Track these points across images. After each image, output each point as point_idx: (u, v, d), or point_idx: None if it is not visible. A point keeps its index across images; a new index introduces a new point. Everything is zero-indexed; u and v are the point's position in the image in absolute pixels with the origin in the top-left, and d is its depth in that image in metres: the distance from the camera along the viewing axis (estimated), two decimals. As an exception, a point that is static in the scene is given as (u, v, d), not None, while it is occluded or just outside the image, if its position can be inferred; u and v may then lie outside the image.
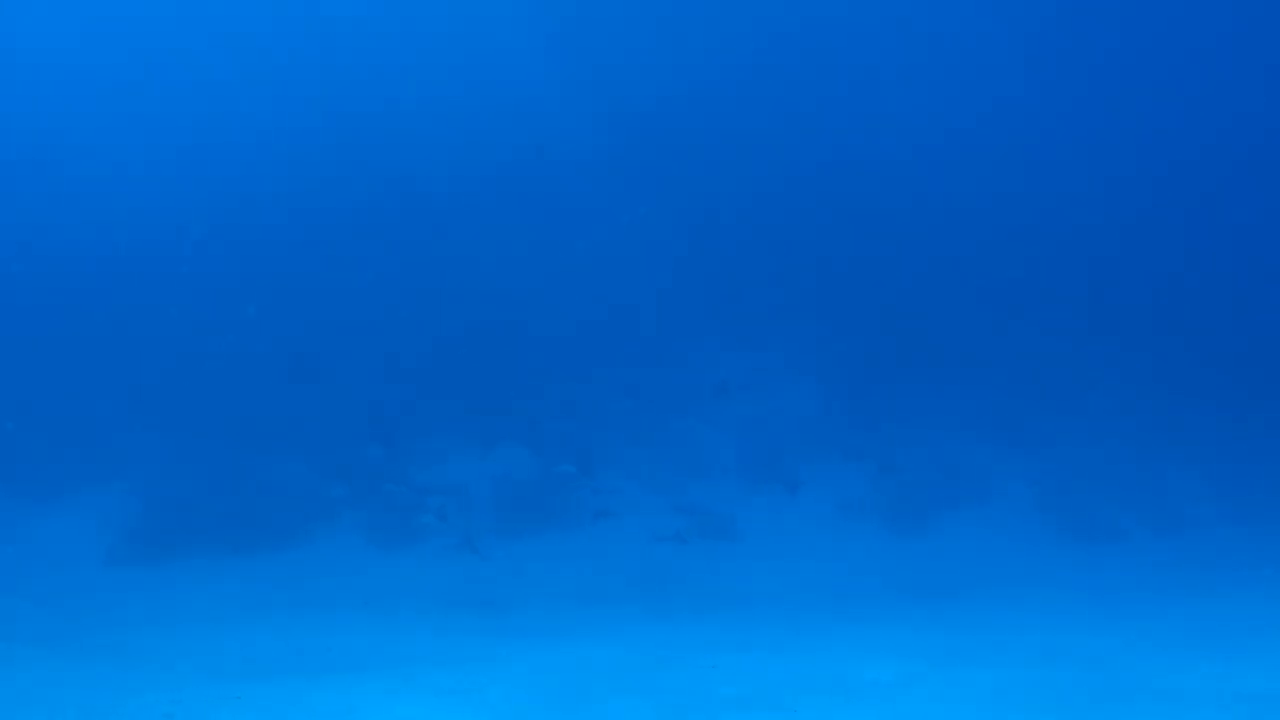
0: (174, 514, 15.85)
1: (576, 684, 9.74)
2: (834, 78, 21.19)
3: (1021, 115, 21.11)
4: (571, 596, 14.46)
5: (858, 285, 20.46)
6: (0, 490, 16.65)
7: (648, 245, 20.48)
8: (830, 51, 21.28)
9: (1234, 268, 20.68)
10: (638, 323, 20.49)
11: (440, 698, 9.33)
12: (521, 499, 17.38)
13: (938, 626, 12.23)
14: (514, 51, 20.87)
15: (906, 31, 21.35)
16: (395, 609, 13.34)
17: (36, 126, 19.92)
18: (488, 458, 18.09)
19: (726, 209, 21.11)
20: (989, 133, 21.02)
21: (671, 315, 20.56)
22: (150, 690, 9.68)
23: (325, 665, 10.61)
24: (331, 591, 13.95)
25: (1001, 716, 8.73)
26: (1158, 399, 19.14)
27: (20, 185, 19.60)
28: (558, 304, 19.81)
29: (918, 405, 19.44)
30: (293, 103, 20.94)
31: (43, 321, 18.30)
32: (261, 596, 13.75)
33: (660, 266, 20.73)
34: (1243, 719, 8.49)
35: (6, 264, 18.62)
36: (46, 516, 16.19)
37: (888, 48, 21.31)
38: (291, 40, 20.64)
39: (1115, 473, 18.34)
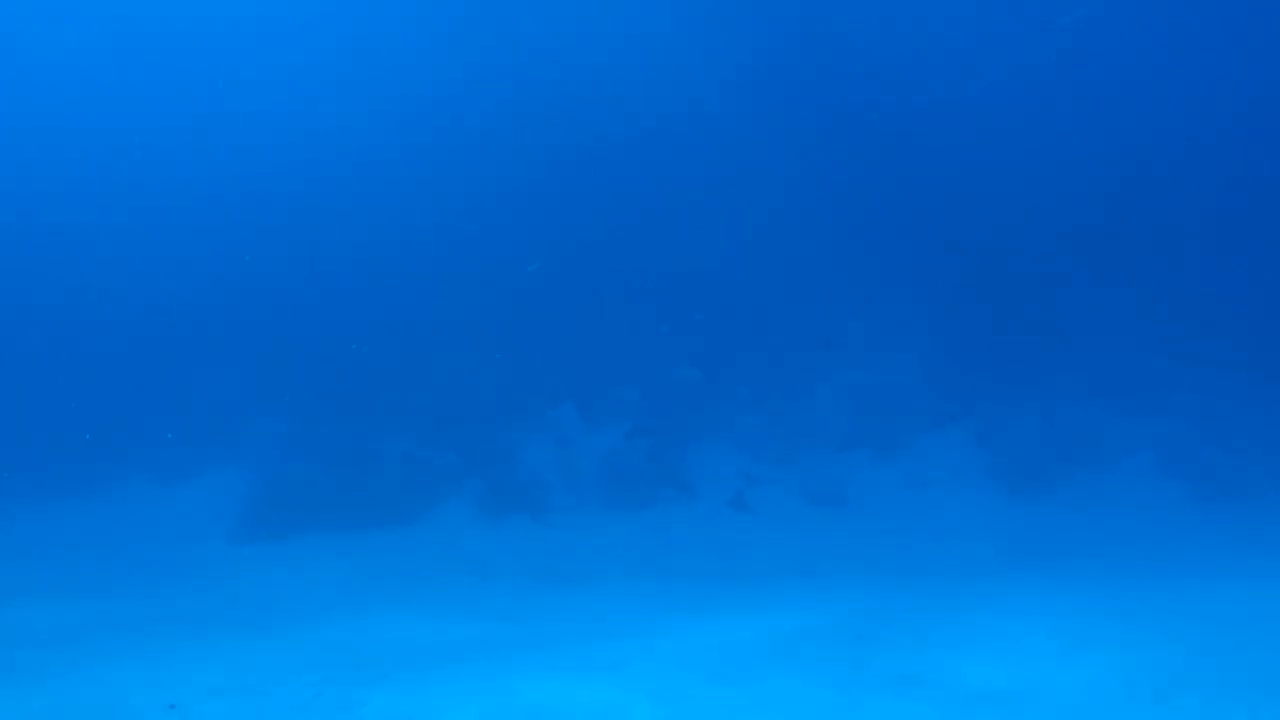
0: (292, 492, 15.95)
1: (727, 657, 9.52)
2: (936, 42, 20.48)
3: (1124, 65, 20.18)
4: (689, 569, 14.22)
5: (964, 243, 19.81)
6: (127, 473, 16.96)
7: (753, 210, 20.07)
8: (934, 17, 20.59)
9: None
10: (736, 290, 20.11)
11: (592, 673, 9.17)
12: (632, 470, 17.21)
13: (1084, 591, 11.81)
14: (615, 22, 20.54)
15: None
16: (523, 584, 13.25)
17: (161, 123, 20.23)
18: (594, 429, 17.95)
19: (826, 173, 20.58)
20: (1096, 86, 20.16)
21: (771, 281, 20.15)
22: (297, 668, 9.67)
23: (468, 641, 10.53)
24: (458, 566, 13.93)
25: (1182, 680, 8.38)
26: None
27: (134, 187, 19.96)
28: (660, 270, 19.53)
29: (1029, 366, 18.81)
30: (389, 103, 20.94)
31: (164, 314, 18.61)
32: (386, 573, 13.78)
33: (761, 233, 20.33)
34: None
35: (133, 264, 19.04)
36: (172, 497, 16.45)
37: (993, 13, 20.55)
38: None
39: (1241, 430, 17.54)
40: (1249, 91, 19.70)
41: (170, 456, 17.05)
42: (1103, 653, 9.31)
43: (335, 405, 17.53)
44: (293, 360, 18.15)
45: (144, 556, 14.37)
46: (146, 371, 18.05)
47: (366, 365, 17.92)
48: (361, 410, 17.61)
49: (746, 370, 19.32)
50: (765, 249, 20.21)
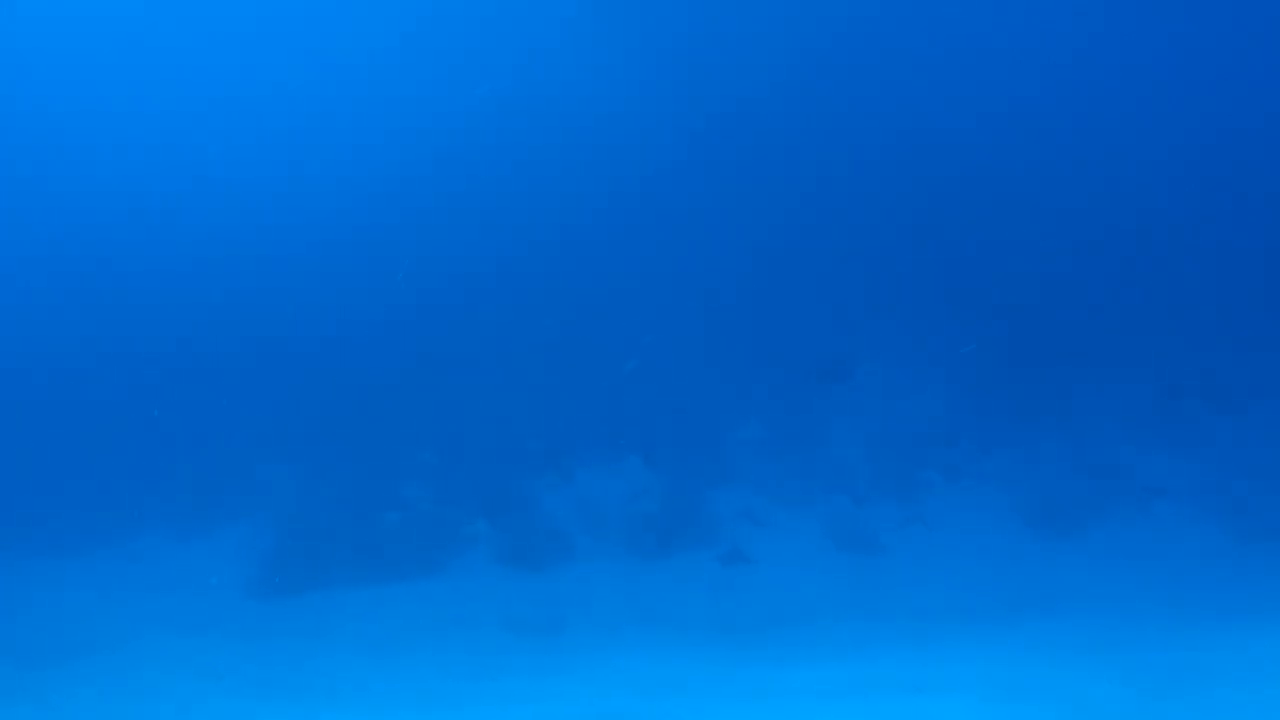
0: (311, 543, 15.67)
1: (783, 708, 9.26)
2: (967, 65, 20.36)
3: (1168, 91, 20.01)
4: (718, 619, 13.92)
5: (987, 276, 19.59)
6: (142, 526, 16.67)
7: (771, 242, 19.88)
8: (969, 40, 20.48)
9: None
10: (745, 325, 19.88)
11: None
12: (651, 517, 16.90)
13: (1127, 635, 11.57)
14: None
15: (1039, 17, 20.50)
16: (553, 633, 12.97)
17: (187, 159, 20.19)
18: (613, 473, 17.69)
19: (840, 202, 20.39)
20: (1138, 112, 19.97)
21: (782, 315, 19.92)
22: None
23: (506, 697, 10.28)
24: (484, 619, 13.65)
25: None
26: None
27: (148, 232, 19.88)
28: (679, 302, 19.34)
29: (1053, 402, 18.56)
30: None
31: (180, 357, 18.41)
32: (413, 628, 13.48)
33: (780, 266, 20.14)
34: None
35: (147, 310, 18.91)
36: (188, 550, 16.16)
37: (1028, 33, 20.45)
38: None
39: (1277, 465, 17.28)
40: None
41: (186, 508, 16.77)
42: (1161, 699, 9.09)
43: (350, 452, 17.26)
44: (308, 406, 17.91)
45: (163, 613, 14.06)
46: (158, 420, 17.80)
47: (383, 412, 17.68)
48: (377, 458, 17.34)
49: (758, 408, 19.05)
50: (773, 280, 20.02)
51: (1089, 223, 19.66)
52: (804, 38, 20.88)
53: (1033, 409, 18.67)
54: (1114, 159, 19.84)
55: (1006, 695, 9.40)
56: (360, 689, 10.81)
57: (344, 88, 20.61)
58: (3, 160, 20.50)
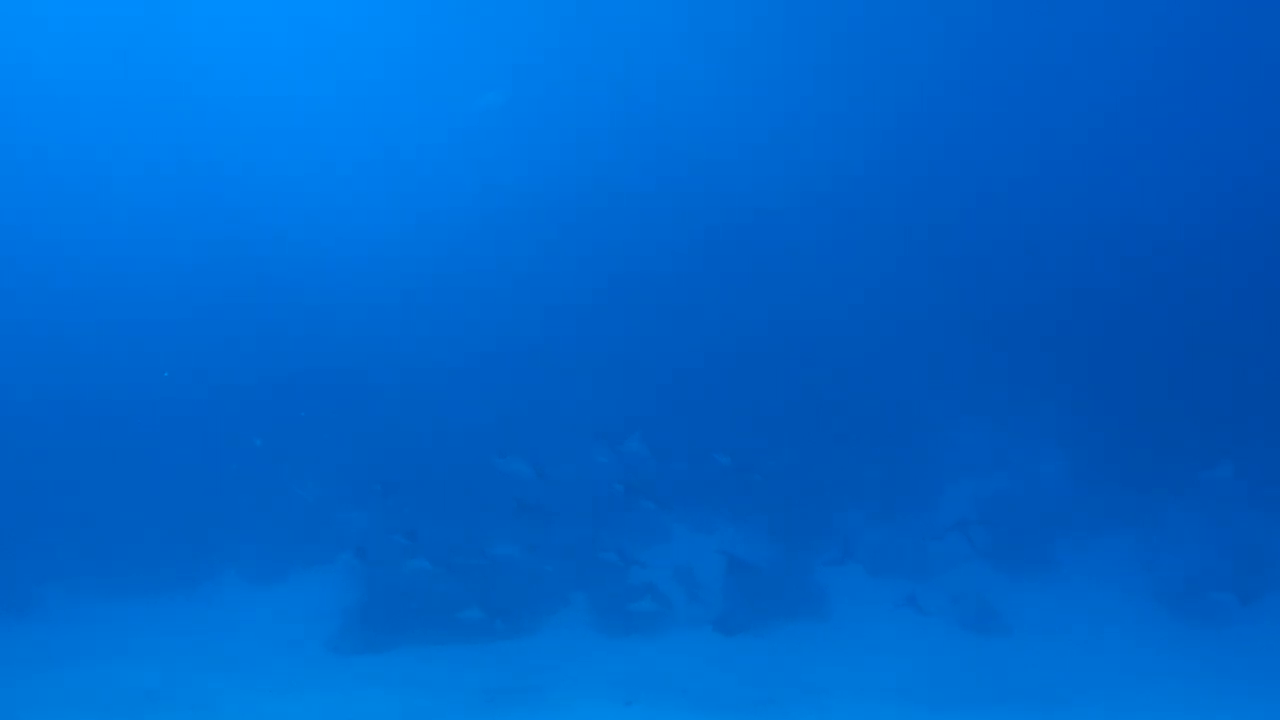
0: (394, 596, 15.14)
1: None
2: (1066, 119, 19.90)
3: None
4: (828, 692, 13.12)
5: (1108, 337, 18.73)
6: (222, 574, 16.33)
7: (880, 321, 19.26)
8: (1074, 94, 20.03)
9: None
10: (854, 394, 19.15)
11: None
12: (758, 582, 16.12)
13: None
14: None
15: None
16: (646, 707, 12.22)
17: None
18: (716, 536, 17.02)
19: (952, 262, 19.76)
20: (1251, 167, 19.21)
21: (892, 384, 19.17)
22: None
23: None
24: (584, 685, 12.96)
25: None
26: None
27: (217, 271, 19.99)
28: (785, 378, 18.74)
29: (1190, 469, 17.46)
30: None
31: (261, 401, 18.23)
32: (498, 687, 12.86)
33: (878, 327, 19.53)
34: None
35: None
36: (268, 600, 15.73)
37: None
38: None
39: None
40: None
41: (264, 552, 16.38)
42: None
43: (437, 500, 16.77)
44: (390, 451, 17.51)
45: (240, 666, 13.56)
46: (237, 459, 17.54)
47: (470, 461, 17.17)
48: (464, 508, 16.82)
49: (871, 480, 18.20)
50: (883, 346, 19.37)
51: (1213, 285, 18.73)
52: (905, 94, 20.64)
53: (1165, 479, 17.62)
54: (1240, 209, 19.02)
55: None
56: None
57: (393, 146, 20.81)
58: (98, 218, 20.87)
